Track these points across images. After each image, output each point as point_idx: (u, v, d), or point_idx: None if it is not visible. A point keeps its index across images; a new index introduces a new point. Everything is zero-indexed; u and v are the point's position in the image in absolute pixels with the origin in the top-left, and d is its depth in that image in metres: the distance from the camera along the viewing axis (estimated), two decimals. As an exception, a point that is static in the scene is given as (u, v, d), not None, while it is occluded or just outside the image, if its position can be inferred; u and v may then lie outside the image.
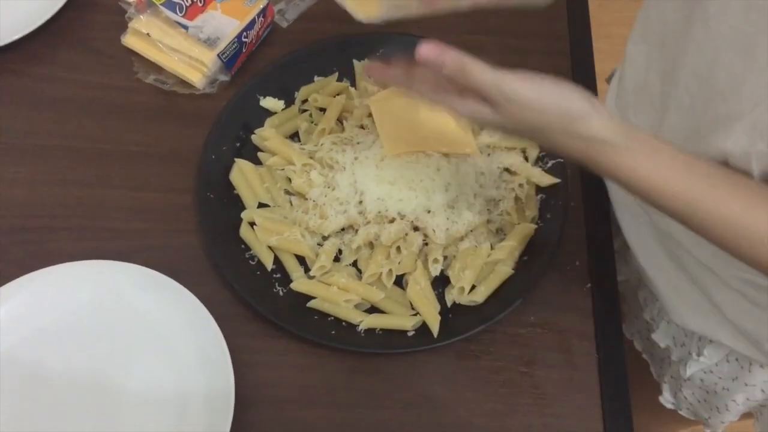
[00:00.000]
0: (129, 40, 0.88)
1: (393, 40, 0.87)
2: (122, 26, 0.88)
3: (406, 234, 0.74)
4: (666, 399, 0.86)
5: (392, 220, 0.74)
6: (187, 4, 0.85)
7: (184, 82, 0.86)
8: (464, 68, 0.53)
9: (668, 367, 0.84)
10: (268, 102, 0.83)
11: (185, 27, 0.86)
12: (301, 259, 0.74)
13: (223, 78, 0.86)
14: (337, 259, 0.74)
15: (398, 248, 0.73)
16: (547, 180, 0.78)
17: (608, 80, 0.94)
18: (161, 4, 0.84)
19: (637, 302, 0.84)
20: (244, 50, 0.86)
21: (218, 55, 0.84)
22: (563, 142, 0.55)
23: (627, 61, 0.72)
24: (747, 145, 0.54)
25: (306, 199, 0.76)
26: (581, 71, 0.89)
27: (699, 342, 0.76)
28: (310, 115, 0.83)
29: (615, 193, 0.79)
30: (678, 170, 0.53)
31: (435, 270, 0.72)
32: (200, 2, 0.86)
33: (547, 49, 0.91)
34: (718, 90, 0.56)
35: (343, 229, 0.75)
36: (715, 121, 0.57)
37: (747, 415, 0.83)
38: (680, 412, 0.86)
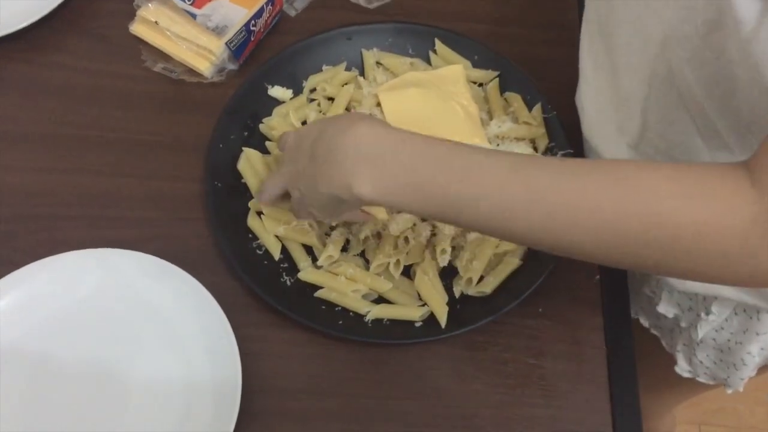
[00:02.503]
0: (137, 28, 0.87)
1: (402, 29, 0.87)
2: (130, 14, 0.87)
3: (414, 224, 0.73)
4: (682, 368, 0.86)
5: (400, 210, 0.73)
6: (195, -8, 0.85)
7: (192, 71, 0.85)
8: None
9: (678, 335, 0.84)
10: (277, 91, 0.83)
11: (193, 15, 0.85)
12: (308, 249, 0.74)
13: (231, 67, 0.86)
14: (344, 249, 0.74)
15: (406, 239, 0.72)
16: (556, 171, 0.77)
17: None
18: (169, -8, 0.84)
19: (635, 278, 0.84)
20: (252, 39, 0.86)
21: (226, 43, 0.83)
22: None
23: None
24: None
25: (314, 188, 0.75)
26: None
27: (704, 302, 0.76)
28: (319, 105, 0.82)
29: None
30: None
31: (443, 261, 0.72)
32: (208, -10, 0.86)
33: (557, 39, 0.91)
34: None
35: (350, 219, 0.75)
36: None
37: (764, 369, 0.83)
38: (698, 379, 0.86)
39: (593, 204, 0.49)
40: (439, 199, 0.53)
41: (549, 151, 0.80)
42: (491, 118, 0.81)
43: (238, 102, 0.81)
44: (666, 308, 0.81)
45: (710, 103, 0.57)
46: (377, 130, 0.56)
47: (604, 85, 0.70)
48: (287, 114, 0.81)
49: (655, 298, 0.81)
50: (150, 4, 0.86)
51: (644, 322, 0.88)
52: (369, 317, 0.70)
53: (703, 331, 0.78)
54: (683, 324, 0.80)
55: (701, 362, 0.83)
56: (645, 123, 0.65)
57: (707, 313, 0.76)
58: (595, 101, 0.73)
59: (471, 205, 0.52)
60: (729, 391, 0.86)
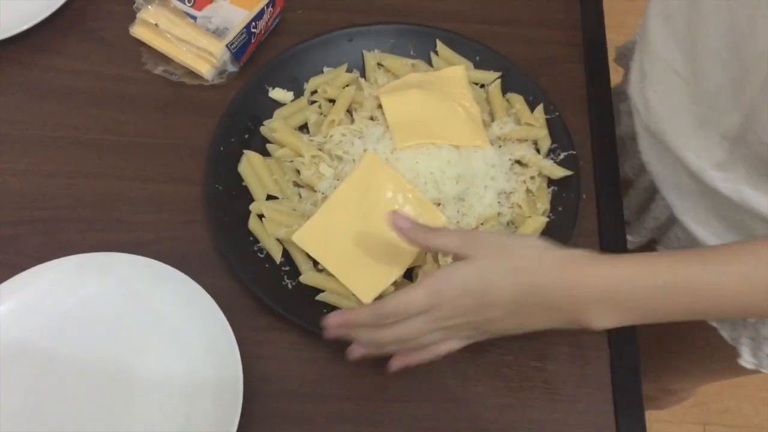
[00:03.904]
0: (137, 31, 0.87)
1: (403, 31, 0.86)
2: (130, 16, 0.87)
3: (416, 227, 0.73)
4: (746, 360, 0.86)
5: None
6: (196, -6, 0.85)
7: (192, 73, 0.85)
8: None
9: (743, 329, 0.83)
10: (277, 93, 0.82)
11: (193, 17, 0.85)
12: (310, 252, 0.74)
13: (232, 69, 0.86)
14: (346, 252, 0.74)
15: (408, 241, 0.72)
16: (558, 172, 0.77)
17: (616, 60, 0.93)
18: (169, -6, 0.84)
19: None
20: (253, 41, 0.86)
21: (227, 45, 0.83)
22: None
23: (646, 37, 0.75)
24: None
25: (315, 191, 0.75)
26: (594, 61, 0.88)
27: None
28: (320, 107, 0.82)
29: (657, 174, 0.80)
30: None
31: (445, 263, 0.72)
32: (209, -8, 0.86)
33: (560, 39, 0.90)
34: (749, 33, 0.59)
35: (352, 222, 0.75)
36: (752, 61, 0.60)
37: None
38: (762, 371, 0.86)
39: None
40: (668, 314, 0.61)
41: (552, 152, 0.79)
42: (493, 120, 0.81)
43: (238, 104, 0.80)
44: None
45: None
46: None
47: (675, 77, 0.70)
48: (288, 116, 0.80)
49: None
50: (150, 7, 0.86)
51: None
52: (371, 320, 0.70)
53: None
54: (749, 319, 0.80)
55: (767, 355, 0.83)
56: (749, 124, 0.64)
57: None
58: (663, 92, 0.73)
59: (693, 311, 0.60)
60: None
